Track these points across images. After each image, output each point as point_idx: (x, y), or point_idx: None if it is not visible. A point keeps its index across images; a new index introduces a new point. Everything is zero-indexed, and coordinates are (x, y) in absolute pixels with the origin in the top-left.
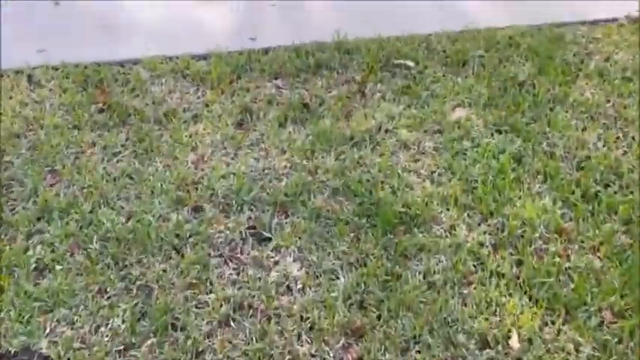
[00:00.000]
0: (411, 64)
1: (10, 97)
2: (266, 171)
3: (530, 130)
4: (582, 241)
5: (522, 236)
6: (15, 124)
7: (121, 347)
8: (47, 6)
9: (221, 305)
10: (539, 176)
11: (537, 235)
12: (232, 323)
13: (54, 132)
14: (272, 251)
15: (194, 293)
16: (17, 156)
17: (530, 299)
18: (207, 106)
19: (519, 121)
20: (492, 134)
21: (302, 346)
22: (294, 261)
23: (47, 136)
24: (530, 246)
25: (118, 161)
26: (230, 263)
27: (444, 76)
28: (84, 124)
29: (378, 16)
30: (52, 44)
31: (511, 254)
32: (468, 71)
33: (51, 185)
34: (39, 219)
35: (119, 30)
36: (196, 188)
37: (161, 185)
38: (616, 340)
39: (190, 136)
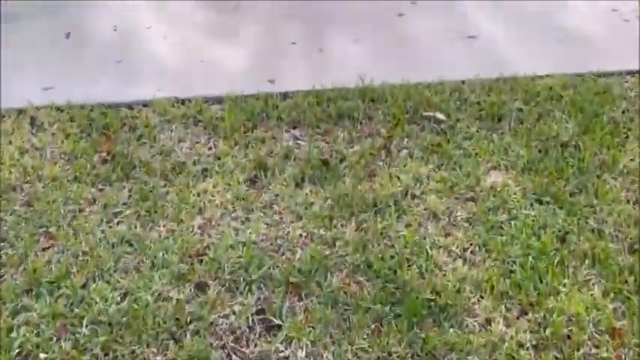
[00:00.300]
0: (441, 116)
1: (10, 142)
2: (279, 241)
3: (574, 201)
4: (638, 346)
5: (569, 337)
6: (12, 173)
7: None
8: (58, 37)
9: None
10: (586, 260)
11: (586, 336)
12: None
13: (52, 185)
14: (281, 343)
15: None
16: (11, 212)
17: None
18: (218, 159)
19: (562, 190)
20: (532, 205)
21: None
22: (306, 357)
23: (45, 189)
24: (578, 350)
25: (118, 223)
26: (234, 356)
27: (477, 131)
28: (85, 177)
29: (406, 60)
30: (60, 80)
31: (556, 359)
32: (505, 127)
33: (44, 249)
34: (27, 292)
35: (131, 67)
36: (201, 260)
37: (163, 255)
38: None
39: (198, 195)
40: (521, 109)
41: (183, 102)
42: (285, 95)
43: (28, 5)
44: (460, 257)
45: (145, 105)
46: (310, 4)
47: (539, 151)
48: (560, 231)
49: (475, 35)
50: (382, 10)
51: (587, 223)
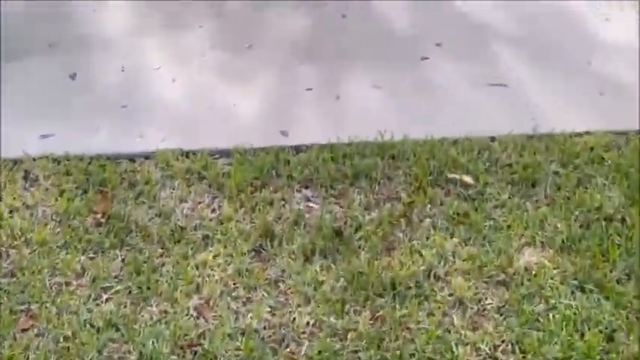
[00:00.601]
0: (468, 180)
1: (1, 199)
2: (283, 329)
3: (622, 291)
4: None
5: None
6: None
7: None
8: (63, 78)
9: None
10: None
11: None
12: None
13: (40, 251)
14: None
15: None
16: None
17: None
18: (221, 223)
19: (608, 275)
20: (573, 293)
21: None
22: None
23: (32, 256)
24: None
25: (107, 300)
26: None
27: (509, 198)
28: (76, 242)
29: (430, 111)
30: (60, 126)
31: None
32: (540, 194)
33: (23, 331)
34: None
35: (136, 112)
36: (195, 352)
37: (153, 344)
38: None
39: (197, 268)
40: (557, 173)
41: (187, 155)
42: (297, 149)
43: (33, 43)
44: (490, 357)
45: (147, 157)
46: (329, 43)
47: (580, 225)
48: (607, 327)
49: (505, 83)
50: (405, 53)
51: (637, 318)
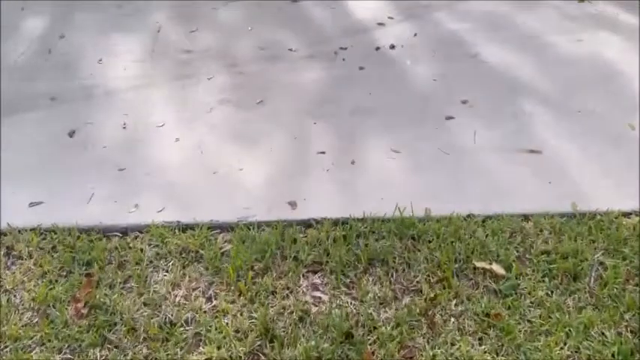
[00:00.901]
0: (499, 270)
1: None
2: None
3: None
4: None
5: None
6: None
7: None
8: (60, 136)
9: None
10: None
11: None
12: None
13: (13, 348)
14: None
15: None
16: None
17: None
18: (216, 317)
19: None
20: None
21: None
22: None
23: (3, 353)
24: None
25: None
26: None
27: (548, 295)
28: (52, 339)
29: (454, 183)
30: (52, 192)
31: None
32: (583, 291)
33: None
34: None
35: (134, 177)
36: None
37: None
38: None
39: None
40: (603, 264)
41: (185, 229)
42: (307, 224)
43: (35, 96)
44: None
45: (141, 231)
46: (345, 99)
47: (632, 331)
48: None
49: (539, 150)
50: (427, 110)
51: None
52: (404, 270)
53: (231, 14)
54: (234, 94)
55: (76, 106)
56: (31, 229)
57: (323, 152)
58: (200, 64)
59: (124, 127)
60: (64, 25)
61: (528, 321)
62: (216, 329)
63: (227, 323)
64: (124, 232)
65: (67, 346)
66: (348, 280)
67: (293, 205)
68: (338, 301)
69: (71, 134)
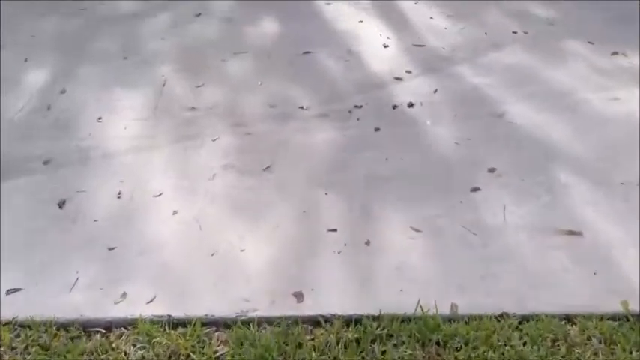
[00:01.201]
0: None
1: None
2: None
3: None
4: None
5: None
6: None
7: None
8: (49, 207)
9: None
10: None
11: None
12: None
13: None
14: None
15: None
16: None
17: None
18: None
19: None
20: None
21: None
22: None
23: None
24: None
25: None
26: None
27: None
28: None
29: (482, 271)
30: (33, 277)
31: None
32: None
33: None
34: None
35: (124, 259)
36: None
37: None
38: None
39: None
40: None
41: (176, 325)
42: (315, 321)
43: (27, 160)
44: None
45: (127, 326)
46: (359, 165)
47: None
48: None
49: (579, 231)
50: (451, 180)
51: None
52: None
53: (241, 66)
54: (240, 159)
55: (70, 172)
56: (5, 323)
57: (334, 230)
58: (205, 122)
59: (119, 197)
60: (67, 77)
61: None
62: None
63: None
64: (108, 327)
65: None
66: None
67: (299, 296)
68: None
69: (61, 205)
